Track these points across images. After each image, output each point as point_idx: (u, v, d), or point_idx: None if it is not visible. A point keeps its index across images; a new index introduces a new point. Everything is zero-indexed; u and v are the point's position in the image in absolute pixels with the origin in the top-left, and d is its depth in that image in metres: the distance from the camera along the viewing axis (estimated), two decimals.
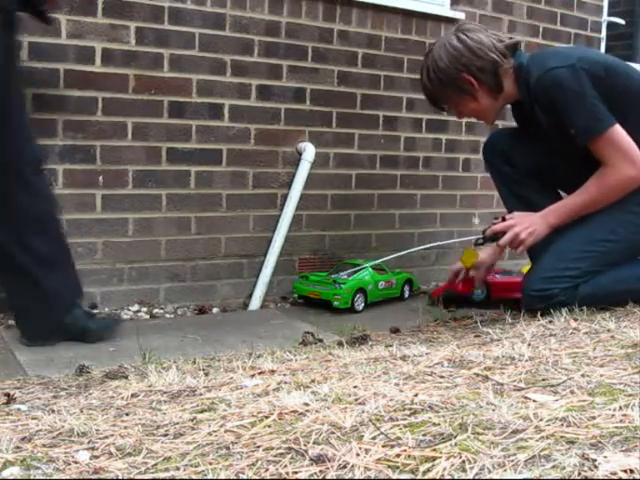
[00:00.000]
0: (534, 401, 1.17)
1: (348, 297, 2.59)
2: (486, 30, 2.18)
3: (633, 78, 2.15)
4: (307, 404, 1.19)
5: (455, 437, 1.00)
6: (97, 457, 1.01)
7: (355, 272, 2.66)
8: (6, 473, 0.94)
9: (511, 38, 2.28)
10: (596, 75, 2.05)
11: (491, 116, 2.27)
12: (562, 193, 2.34)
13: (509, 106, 2.34)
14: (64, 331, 2.07)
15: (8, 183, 1.97)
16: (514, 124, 2.44)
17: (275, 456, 0.97)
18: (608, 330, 1.74)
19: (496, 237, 2.14)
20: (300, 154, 2.78)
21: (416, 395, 1.21)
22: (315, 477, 0.90)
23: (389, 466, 0.92)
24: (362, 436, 1.03)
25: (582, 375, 1.32)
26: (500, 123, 3.34)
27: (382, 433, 1.03)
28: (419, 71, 2.23)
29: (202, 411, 1.22)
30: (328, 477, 0.90)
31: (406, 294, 2.88)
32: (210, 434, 1.08)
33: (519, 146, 2.34)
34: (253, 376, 1.48)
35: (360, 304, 2.64)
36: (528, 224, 2.13)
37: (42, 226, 2.04)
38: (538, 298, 2.10)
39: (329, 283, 2.62)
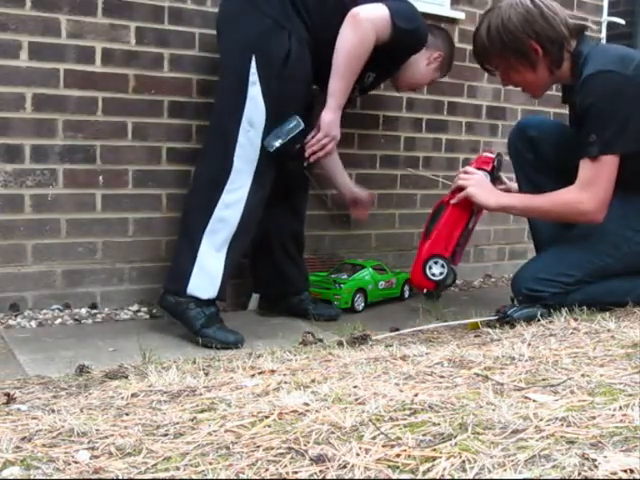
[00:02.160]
0: (534, 401, 1.17)
1: (348, 297, 2.59)
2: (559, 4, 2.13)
3: None
4: (307, 404, 1.19)
5: (455, 437, 1.00)
6: (97, 457, 1.01)
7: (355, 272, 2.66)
8: (6, 473, 0.94)
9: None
10: None
11: (540, 90, 2.24)
12: None
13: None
14: (291, 308, 2.51)
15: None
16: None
17: (275, 456, 0.97)
18: (608, 330, 1.74)
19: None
20: None
21: (416, 395, 1.21)
22: (315, 477, 0.91)
23: (389, 466, 0.92)
24: (362, 436, 1.03)
25: (582, 375, 1.32)
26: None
27: (382, 433, 1.03)
28: (476, 27, 2.17)
29: (202, 411, 1.22)
30: (328, 477, 0.90)
31: (406, 294, 2.87)
32: (210, 434, 1.08)
33: (551, 137, 2.30)
34: (253, 376, 1.48)
35: (360, 304, 2.63)
36: (482, 187, 2.17)
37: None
38: (527, 297, 2.11)
39: (329, 283, 2.62)
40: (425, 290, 2.29)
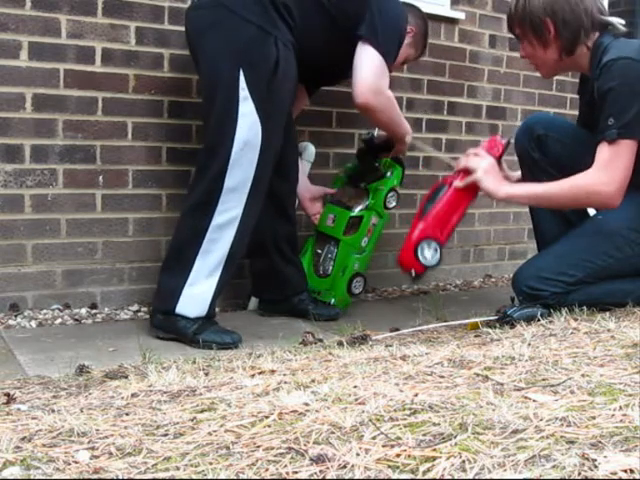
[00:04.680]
0: (534, 401, 1.18)
1: (344, 299, 2.57)
2: None
3: None
4: (307, 404, 1.19)
5: (455, 437, 1.00)
6: (97, 457, 1.01)
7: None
8: (6, 473, 0.94)
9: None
10: None
11: (549, 71, 2.25)
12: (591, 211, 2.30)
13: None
14: (290, 308, 2.50)
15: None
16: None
17: (275, 456, 0.97)
18: (608, 330, 1.75)
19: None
20: (300, 154, 2.77)
21: (416, 395, 1.21)
22: (315, 477, 0.91)
23: (389, 466, 0.92)
24: (362, 436, 1.03)
25: (582, 375, 1.32)
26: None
27: (382, 433, 1.03)
28: None
29: (202, 411, 1.22)
30: (328, 477, 0.90)
31: (390, 203, 2.59)
32: (210, 434, 1.08)
33: (559, 135, 2.28)
34: (253, 376, 1.48)
35: (358, 287, 2.58)
36: (492, 174, 2.11)
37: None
38: (527, 295, 2.11)
39: (323, 302, 2.57)
40: (413, 272, 2.18)
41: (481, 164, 2.13)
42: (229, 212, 2.11)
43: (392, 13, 2.32)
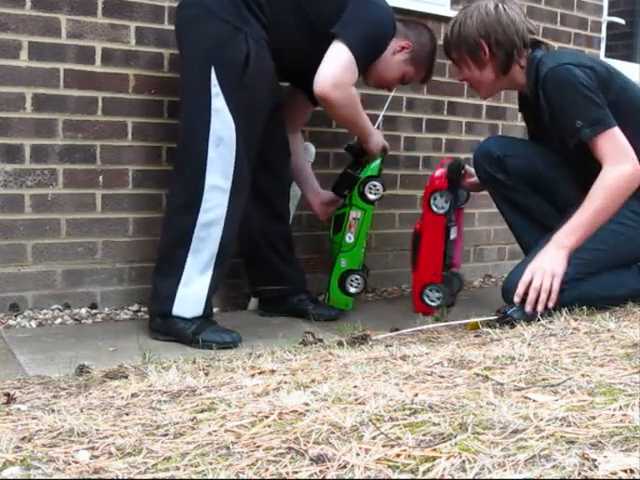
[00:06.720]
0: (534, 401, 1.18)
1: (340, 298, 2.56)
2: (525, 16, 2.26)
3: (634, 95, 2.23)
4: (307, 404, 1.19)
5: (455, 437, 1.00)
6: (97, 457, 1.01)
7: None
8: (6, 473, 0.94)
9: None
10: (605, 81, 2.12)
11: (486, 91, 2.35)
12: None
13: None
14: (290, 308, 2.51)
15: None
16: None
17: (275, 456, 0.97)
18: (608, 330, 1.74)
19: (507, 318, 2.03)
20: None
21: (416, 395, 1.21)
22: (315, 477, 0.91)
23: (389, 466, 0.92)
24: (362, 436, 1.03)
25: (582, 375, 1.32)
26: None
27: (382, 433, 1.03)
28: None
29: (202, 411, 1.22)
30: (328, 477, 0.90)
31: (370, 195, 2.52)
32: (210, 434, 1.08)
33: (515, 152, 2.34)
34: (253, 376, 1.48)
35: (355, 286, 2.54)
36: (546, 266, 2.05)
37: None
38: (523, 301, 2.10)
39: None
40: (431, 316, 2.42)
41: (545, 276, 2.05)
42: (214, 210, 2.12)
43: (370, 17, 2.28)
